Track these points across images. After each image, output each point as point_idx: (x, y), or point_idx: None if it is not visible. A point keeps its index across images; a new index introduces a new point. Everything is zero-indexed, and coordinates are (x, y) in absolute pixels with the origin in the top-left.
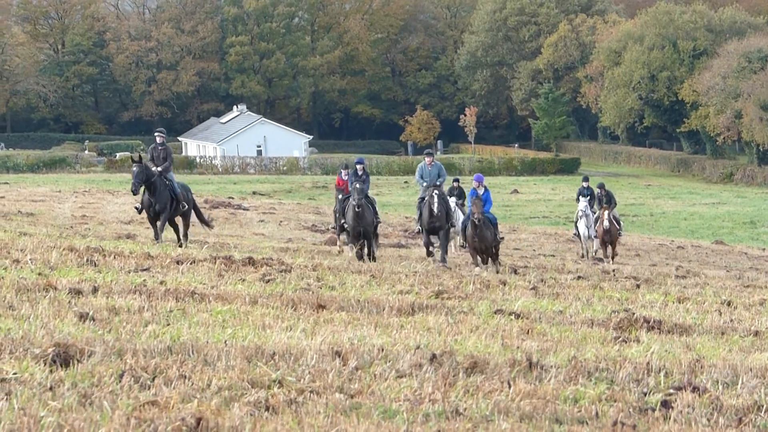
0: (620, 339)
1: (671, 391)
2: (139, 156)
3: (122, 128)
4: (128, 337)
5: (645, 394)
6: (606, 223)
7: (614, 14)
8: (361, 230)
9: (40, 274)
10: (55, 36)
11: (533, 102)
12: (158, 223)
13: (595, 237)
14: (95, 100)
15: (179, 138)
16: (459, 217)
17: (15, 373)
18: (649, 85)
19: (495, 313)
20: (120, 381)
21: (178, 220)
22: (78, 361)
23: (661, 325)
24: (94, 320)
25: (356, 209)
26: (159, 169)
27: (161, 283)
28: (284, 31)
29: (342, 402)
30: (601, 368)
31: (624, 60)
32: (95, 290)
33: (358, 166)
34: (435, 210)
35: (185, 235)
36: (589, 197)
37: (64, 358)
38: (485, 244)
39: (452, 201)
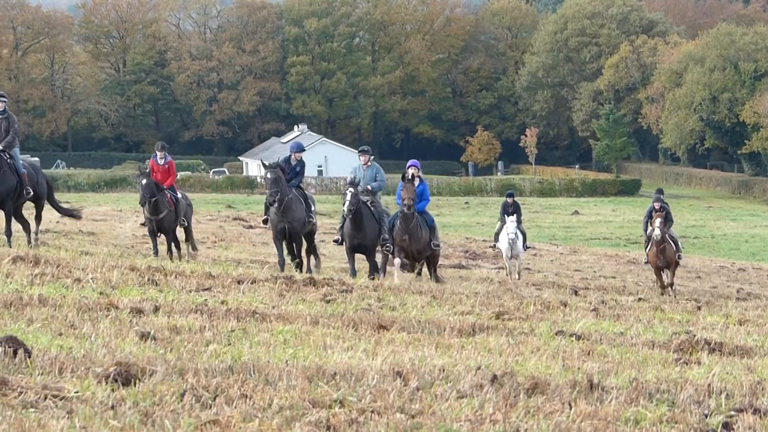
0: (681, 361)
1: (732, 413)
2: None
3: (183, 147)
4: (189, 356)
5: (706, 416)
6: (657, 232)
7: (675, 35)
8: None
9: (101, 293)
10: (117, 55)
11: (594, 123)
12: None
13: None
14: (156, 120)
15: (240, 157)
16: (520, 237)
17: (77, 392)
18: (710, 106)
19: (556, 334)
20: (181, 400)
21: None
22: (139, 380)
23: (722, 347)
24: (155, 339)
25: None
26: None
27: (222, 302)
28: (345, 51)
29: (403, 422)
30: (662, 390)
31: (685, 81)
32: (156, 309)
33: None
34: (345, 209)
35: (36, 233)
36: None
37: (125, 377)
38: (417, 246)
39: (510, 221)
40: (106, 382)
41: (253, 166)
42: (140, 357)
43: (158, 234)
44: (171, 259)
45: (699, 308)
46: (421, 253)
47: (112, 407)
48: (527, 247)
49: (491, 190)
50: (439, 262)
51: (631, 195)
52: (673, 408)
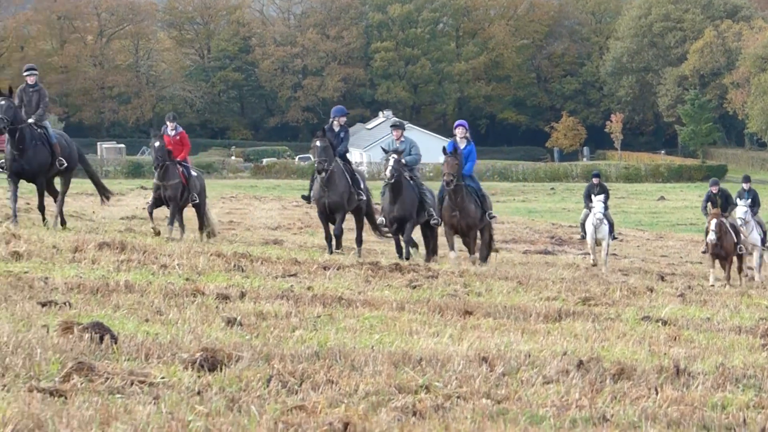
0: None
1: None
2: (9, 89)
3: (268, 134)
4: (275, 342)
5: None
6: (712, 236)
7: (760, 20)
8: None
9: (187, 279)
10: (201, 41)
11: (679, 108)
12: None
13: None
14: (241, 106)
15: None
16: (605, 223)
17: (163, 378)
18: None
19: (642, 319)
20: (267, 386)
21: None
22: (225, 365)
23: None
24: (241, 325)
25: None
26: (31, 120)
27: (308, 288)
28: (429, 36)
29: (489, 407)
30: (749, 375)
31: None
32: (242, 295)
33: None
34: (386, 174)
35: (60, 213)
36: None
37: (211, 362)
38: (468, 221)
39: (598, 200)
40: (192, 368)
41: None
42: (226, 343)
43: (162, 204)
44: (170, 233)
45: None
46: (472, 228)
47: (198, 393)
48: (614, 237)
49: (576, 176)
50: (493, 242)
51: None
52: (760, 393)
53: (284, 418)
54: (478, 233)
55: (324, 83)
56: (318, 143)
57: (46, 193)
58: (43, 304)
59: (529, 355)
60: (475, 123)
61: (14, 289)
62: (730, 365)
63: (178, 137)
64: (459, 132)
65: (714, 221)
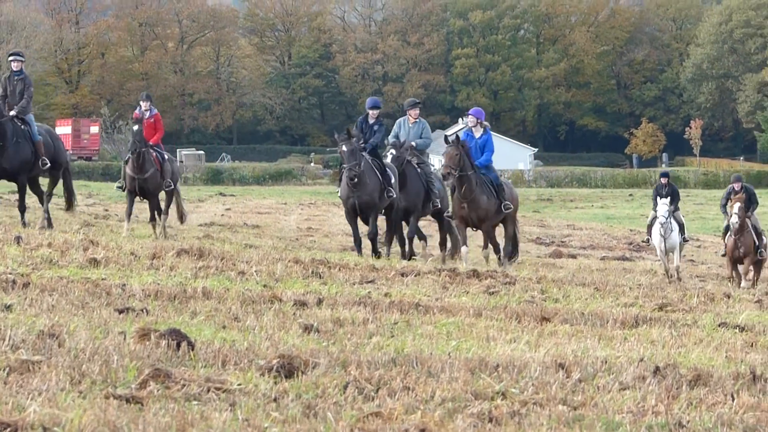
0: None
1: None
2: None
3: None
4: (352, 348)
5: None
6: (735, 219)
7: None
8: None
9: (265, 286)
10: (282, 48)
11: (759, 114)
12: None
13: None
14: (321, 113)
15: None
16: (675, 228)
17: (239, 384)
18: None
19: (719, 326)
20: (344, 392)
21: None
22: (302, 372)
23: None
24: (318, 332)
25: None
26: (13, 112)
27: (386, 295)
28: (510, 43)
29: (565, 414)
30: None
31: None
32: (320, 302)
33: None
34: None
35: (46, 212)
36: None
37: (288, 369)
38: (478, 213)
39: (662, 203)
40: (269, 375)
41: None
42: (303, 349)
43: (139, 197)
44: (154, 229)
45: None
46: (484, 220)
47: (275, 399)
48: (686, 239)
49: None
50: (518, 236)
51: None
52: None
53: (360, 425)
54: (502, 227)
55: (404, 90)
56: (345, 147)
57: (29, 193)
58: (120, 311)
59: (606, 362)
60: (554, 129)
61: (91, 295)
62: None
63: (152, 120)
64: (470, 120)
65: (738, 204)
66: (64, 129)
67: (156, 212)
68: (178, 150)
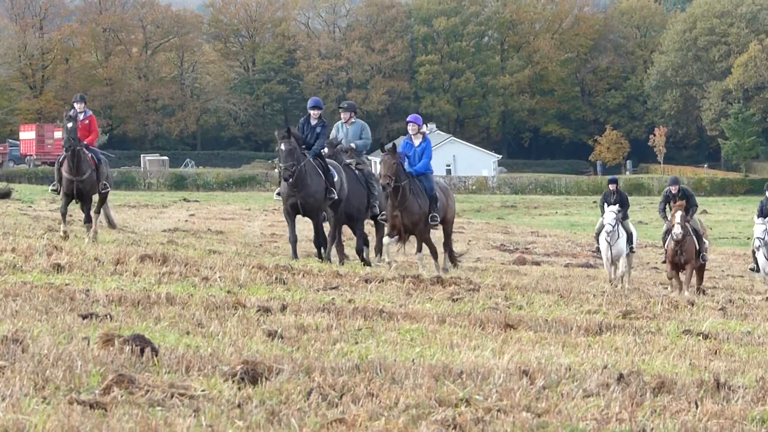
0: None
1: None
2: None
3: None
4: (316, 355)
5: None
6: (677, 230)
7: None
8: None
9: (229, 291)
10: (246, 54)
11: (723, 122)
12: None
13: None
14: (285, 119)
15: (369, 156)
16: (622, 236)
17: (203, 390)
18: None
19: (683, 333)
20: (308, 399)
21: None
22: (266, 378)
23: None
24: (282, 338)
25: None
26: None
27: (350, 301)
28: (474, 50)
29: (529, 421)
30: None
31: None
32: (284, 308)
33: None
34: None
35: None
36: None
37: (252, 375)
38: (411, 219)
39: (609, 211)
40: (233, 381)
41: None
42: (267, 355)
43: (74, 200)
44: (89, 232)
45: None
46: (417, 225)
47: (239, 406)
48: (633, 250)
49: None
50: (453, 247)
51: (759, 194)
52: None
53: (324, 431)
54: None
55: (368, 96)
56: (283, 146)
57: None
58: (84, 317)
59: (570, 369)
60: (519, 136)
61: (55, 301)
62: None
63: (87, 121)
64: (411, 129)
65: (679, 213)
66: (28, 134)
67: (90, 214)
68: (142, 155)
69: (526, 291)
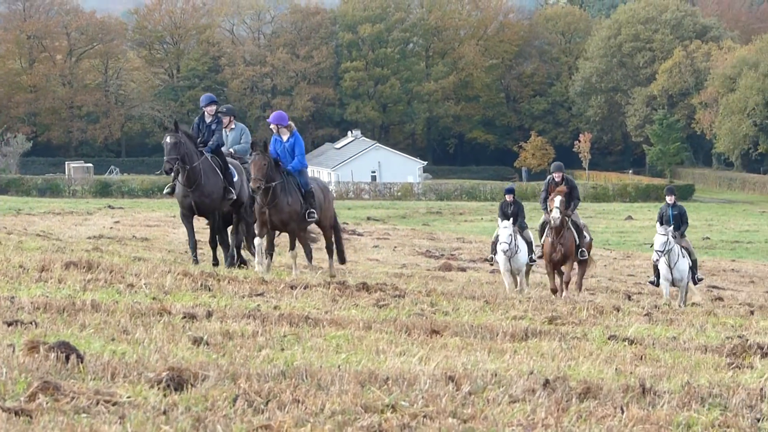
0: (734, 365)
1: None
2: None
3: None
4: (242, 361)
5: (758, 420)
6: (555, 214)
7: (729, 41)
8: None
9: (154, 298)
10: (170, 61)
11: (648, 128)
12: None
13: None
14: None
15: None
16: (522, 248)
17: (129, 397)
18: (764, 111)
19: (609, 339)
20: (233, 405)
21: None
22: (192, 385)
23: None
24: (208, 344)
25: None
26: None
27: (275, 308)
28: (399, 56)
29: (455, 427)
30: (715, 394)
31: (739, 86)
32: (209, 315)
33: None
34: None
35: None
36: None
37: (177, 382)
38: (281, 216)
39: (504, 227)
40: (159, 388)
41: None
42: (193, 362)
43: None
44: None
45: (752, 313)
46: (288, 223)
47: (164, 412)
48: (533, 260)
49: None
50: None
51: (684, 200)
52: (726, 412)
53: None
54: (331, 234)
55: (293, 103)
56: (168, 139)
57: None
58: (9, 324)
59: (496, 374)
60: (443, 143)
61: None
62: (695, 384)
63: None
64: (273, 129)
65: (558, 197)
66: None
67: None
68: (66, 163)
69: (452, 297)
